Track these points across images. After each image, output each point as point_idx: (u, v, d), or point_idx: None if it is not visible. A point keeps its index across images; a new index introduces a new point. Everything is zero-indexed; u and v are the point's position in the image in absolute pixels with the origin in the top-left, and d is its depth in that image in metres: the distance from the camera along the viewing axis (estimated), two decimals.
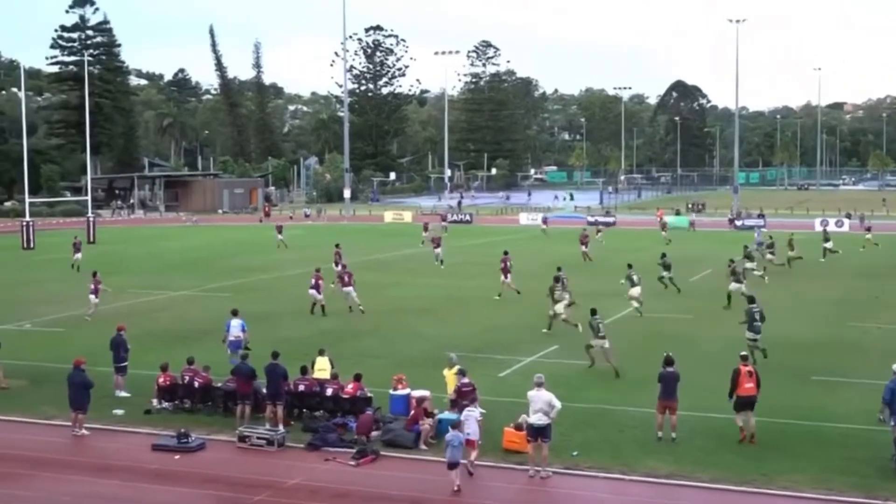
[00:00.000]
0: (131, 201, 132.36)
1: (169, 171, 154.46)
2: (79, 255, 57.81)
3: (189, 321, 38.15)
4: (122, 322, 29.42)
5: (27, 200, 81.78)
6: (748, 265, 48.74)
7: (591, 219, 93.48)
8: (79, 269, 54.82)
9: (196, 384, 25.05)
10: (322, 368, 25.53)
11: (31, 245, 73.41)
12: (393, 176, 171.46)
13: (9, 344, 30.01)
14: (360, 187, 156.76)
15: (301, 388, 24.27)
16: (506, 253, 46.26)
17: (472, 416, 20.76)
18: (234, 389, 24.11)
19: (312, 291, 40.07)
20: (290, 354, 27.13)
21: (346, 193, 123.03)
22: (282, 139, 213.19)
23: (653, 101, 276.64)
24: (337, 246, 49.76)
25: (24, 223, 75.02)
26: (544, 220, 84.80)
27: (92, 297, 39.70)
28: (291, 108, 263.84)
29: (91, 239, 78.08)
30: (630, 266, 41.38)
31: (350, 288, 40.54)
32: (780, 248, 56.82)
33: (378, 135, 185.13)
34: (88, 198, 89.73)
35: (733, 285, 41.30)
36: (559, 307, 35.55)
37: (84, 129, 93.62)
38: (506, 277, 44.55)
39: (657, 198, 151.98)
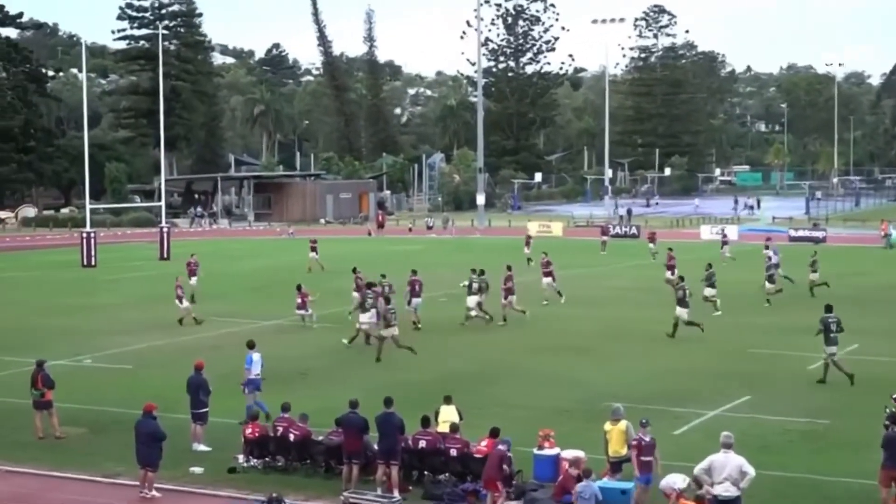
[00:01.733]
0: (214, 208, 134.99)
1: (260, 171, 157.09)
2: (194, 281, 55.49)
3: (284, 358, 38.63)
4: (200, 358, 29.81)
5: (88, 207, 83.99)
6: (707, 291, 49.75)
7: (718, 231, 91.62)
8: (193, 299, 54.29)
9: (292, 437, 25.36)
10: (448, 420, 25.60)
11: (93, 262, 75.25)
12: (539, 177, 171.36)
13: (65, 383, 30.84)
14: (498, 191, 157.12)
15: (422, 444, 24.38)
16: (509, 268, 48.47)
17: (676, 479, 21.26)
18: (339, 445, 24.36)
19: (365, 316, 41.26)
20: (409, 402, 27.31)
21: (480, 199, 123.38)
22: (399, 131, 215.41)
23: (875, 80, 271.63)
24: (355, 271, 49.60)
25: (85, 235, 76.89)
26: (651, 238, 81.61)
27: (300, 311, 45.37)
28: (411, 91, 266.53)
29: (164, 254, 79.92)
30: (475, 271, 46.71)
31: (419, 299, 45.09)
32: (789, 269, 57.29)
33: (520, 125, 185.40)
34: (162, 204, 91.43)
35: (678, 309, 42.89)
36: (364, 317, 40.65)
37: (157, 119, 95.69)
38: (505, 300, 46.88)
39: (881, 206, 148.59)
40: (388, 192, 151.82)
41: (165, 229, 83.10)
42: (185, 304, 47.69)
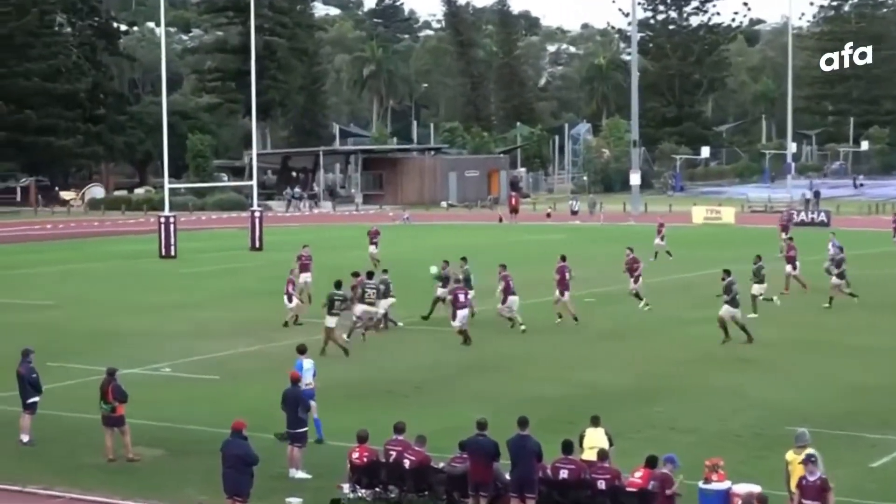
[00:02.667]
0: (314, 188, 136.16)
1: (370, 144, 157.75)
2: (306, 277, 54.62)
3: (397, 369, 38.89)
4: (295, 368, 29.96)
5: (167, 186, 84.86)
6: (756, 289, 49.35)
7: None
8: (310, 299, 52.63)
9: (407, 463, 25.45)
10: (595, 445, 25.55)
11: (173, 252, 76.41)
12: (706, 152, 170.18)
13: (140, 396, 31.18)
14: (656, 169, 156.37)
15: (564, 474, 24.32)
16: (563, 259, 48.96)
17: None
18: (464, 473, 24.41)
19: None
20: (547, 422, 27.34)
21: (634, 179, 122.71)
22: (537, 96, 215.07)
23: None
24: (355, 275, 48.85)
25: (163, 220, 77.84)
26: (784, 227, 76.99)
27: (363, 307, 44.92)
28: (551, 48, 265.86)
29: (256, 244, 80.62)
30: (462, 260, 49.05)
31: (515, 297, 46.02)
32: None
33: (683, 89, 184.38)
34: (254, 183, 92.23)
35: (725, 308, 43.24)
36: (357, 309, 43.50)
37: (248, 83, 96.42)
38: (562, 296, 47.67)
39: None
40: (522, 170, 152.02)
41: (257, 214, 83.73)
42: (294, 302, 47.97)
